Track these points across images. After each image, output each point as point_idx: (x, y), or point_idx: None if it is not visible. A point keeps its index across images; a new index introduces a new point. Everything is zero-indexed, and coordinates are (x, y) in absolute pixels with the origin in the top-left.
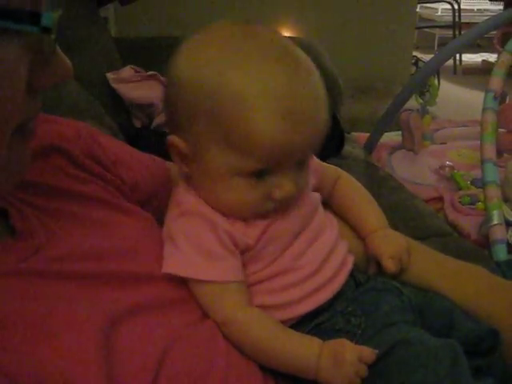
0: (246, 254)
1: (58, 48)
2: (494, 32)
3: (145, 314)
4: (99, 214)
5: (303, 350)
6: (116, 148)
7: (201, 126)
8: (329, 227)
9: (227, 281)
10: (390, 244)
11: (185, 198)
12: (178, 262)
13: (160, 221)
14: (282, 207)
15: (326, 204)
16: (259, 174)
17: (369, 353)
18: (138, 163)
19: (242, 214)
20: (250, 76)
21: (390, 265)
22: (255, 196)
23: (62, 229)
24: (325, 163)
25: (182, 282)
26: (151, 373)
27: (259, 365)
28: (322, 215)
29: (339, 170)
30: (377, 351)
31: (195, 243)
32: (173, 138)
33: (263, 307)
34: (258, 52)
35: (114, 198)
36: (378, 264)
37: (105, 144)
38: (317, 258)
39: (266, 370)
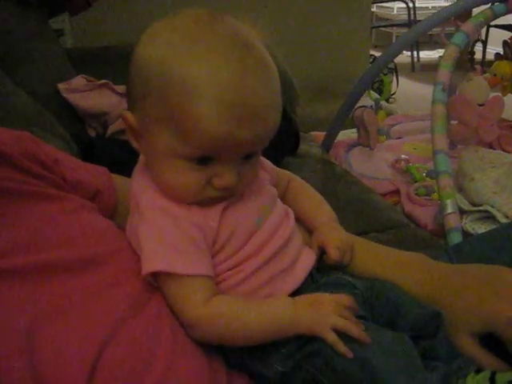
0: (213, 247)
1: None
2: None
3: (80, 305)
4: (34, 209)
5: (277, 307)
6: (58, 152)
7: (150, 103)
8: (285, 219)
9: (197, 274)
10: (337, 236)
11: (141, 196)
12: (150, 260)
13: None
14: (225, 196)
15: None
16: (201, 160)
17: (344, 297)
18: (80, 166)
19: (182, 197)
20: (203, 64)
21: (334, 252)
22: (196, 180)
23: None
24: (277, 168)
25: (126, 266)
26: (87, 366)
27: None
28: (280, 208)
29: (290, 173)
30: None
31: (160, 240)
32: (126, 113)
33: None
34: (217, 44)
35: (49, 190)
36: (320, 254)
37: (47, 147)
38: (276, 244)
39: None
